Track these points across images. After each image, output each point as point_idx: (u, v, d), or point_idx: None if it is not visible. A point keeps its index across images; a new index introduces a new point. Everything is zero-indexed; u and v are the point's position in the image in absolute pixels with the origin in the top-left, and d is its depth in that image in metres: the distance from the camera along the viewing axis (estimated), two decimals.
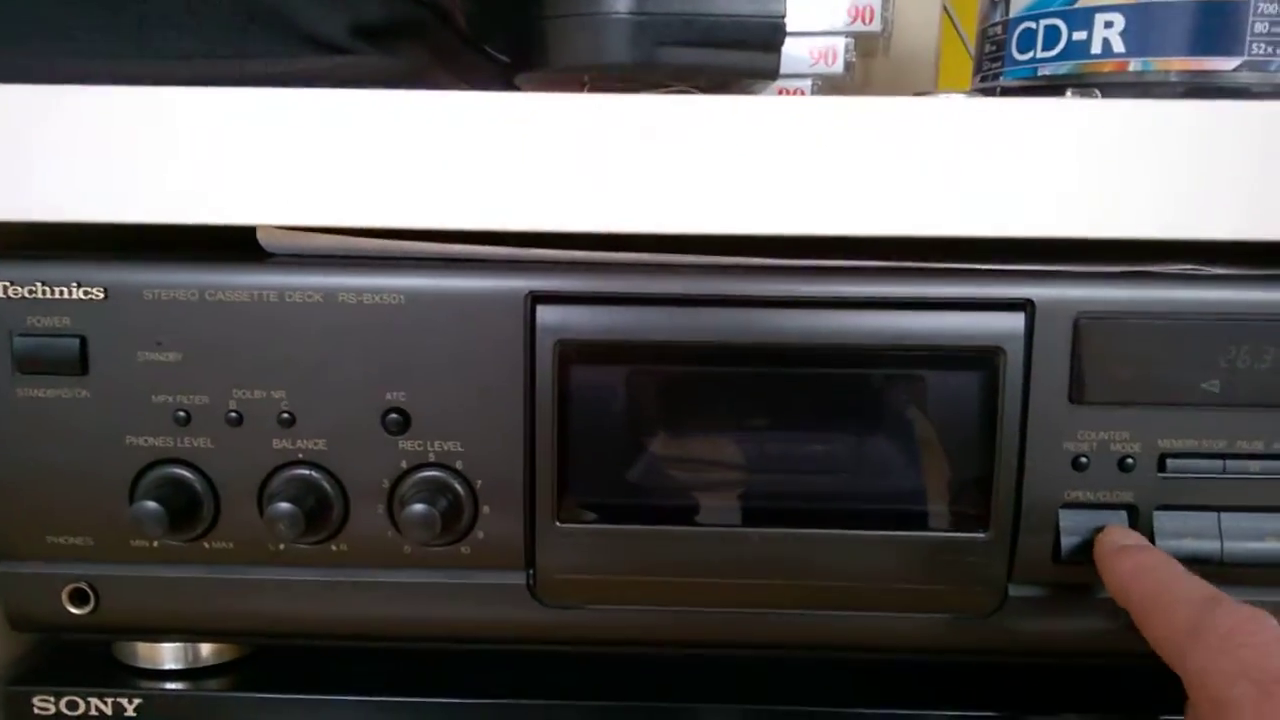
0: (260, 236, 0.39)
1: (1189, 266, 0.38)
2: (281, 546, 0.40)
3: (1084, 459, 0.38)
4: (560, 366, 0.38)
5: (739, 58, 0.39)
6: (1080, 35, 0.42)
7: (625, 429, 0.39)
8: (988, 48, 0.46)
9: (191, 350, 0.38)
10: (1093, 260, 0.38)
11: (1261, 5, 0.39)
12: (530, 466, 0.39)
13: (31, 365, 0.38)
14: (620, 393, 0.39)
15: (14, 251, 0.39)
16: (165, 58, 0.38)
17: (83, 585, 0.41)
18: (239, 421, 0.39)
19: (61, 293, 0.38)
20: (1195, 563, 0.38)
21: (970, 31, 0.54)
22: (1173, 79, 0.41)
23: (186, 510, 0.39)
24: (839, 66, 0.43)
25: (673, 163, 0.35)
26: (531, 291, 0.37)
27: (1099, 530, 0.37)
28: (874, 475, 0.38)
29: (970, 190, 0.35)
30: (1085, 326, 0.37)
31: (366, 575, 0.40)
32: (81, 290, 0.38)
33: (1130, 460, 0.37)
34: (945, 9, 0.64)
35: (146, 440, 0.39)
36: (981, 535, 0.38)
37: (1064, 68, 0.42)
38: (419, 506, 0.37)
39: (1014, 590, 0.39)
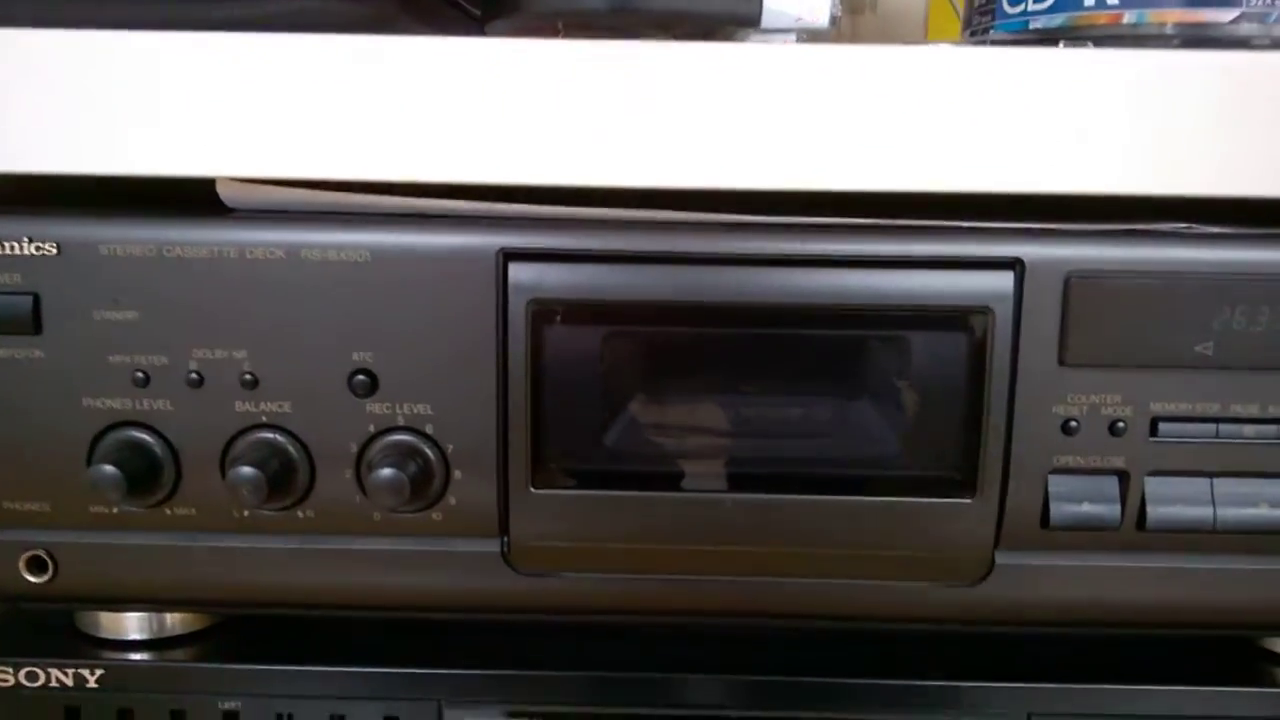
0: (220, 190, 0.37)
1: (1184, 225, 0.37)
2: (246, 513, 0.39)
3: (1074, 423, 0.36)
4: (533, 326, 0.36)
5: (719, 3, 0.38)
6: None
7: (601, 391, 0.37)
8: (978, 0, 0.45)
9: (150, 308, 0.37)
10: (1085, 218, 0.36)
11: None
12: (503, 430, 0.37)
13: None
14: (596, 354, 0.37)
15: None
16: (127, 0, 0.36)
17: (40, 553, 0.40)
18: (200, 383, 0.37)
19: (12, 248, 0.36)
20: (1188, 531, 0.37)
21: None
22: (1168, 31, 0.39)
23: (146, 475, 0.37)
24: (824, 20, 0.42)
25: (651, 113, 0.34)
26: (503, 249, 0.36)
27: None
28: (857, 439, 0.37)
29: (960, 144, 0.34)
30: (1076, 286, 0.35)
31: (335, 543, 0.39)
32: (34, 245, 0.36)
33: (1121, 424, 0.36)
34: None
35: (104, 402, 0.38)
36: (968, 501, 0.37)
37: (1056, 20, 0.41)
38: (387, 471, 0.36)
39: (1001, 558, 0.38)
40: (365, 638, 0.43)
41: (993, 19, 0.44)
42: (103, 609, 0.43)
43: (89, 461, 0.38)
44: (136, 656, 0.42)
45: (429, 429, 0.37)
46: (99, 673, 0.41)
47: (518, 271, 0.36)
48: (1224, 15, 0.38)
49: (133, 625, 0.43)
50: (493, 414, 0.37)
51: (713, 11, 0.38)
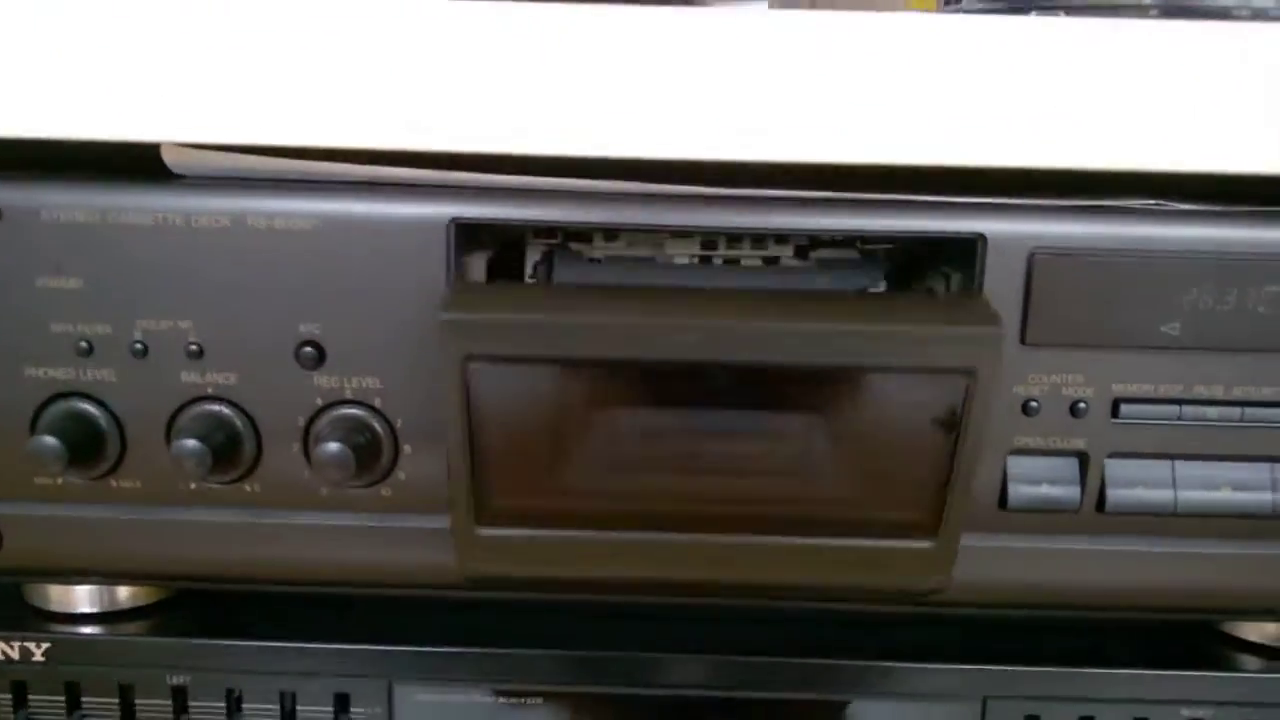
0: (165, 156, 0.36)
1: (1152, 201, 0.36)
2: (192, 486, 0.38)
3: (1034, 403, 0.36)
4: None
5: None
6: None
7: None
8: None
9: (93, 277, 0.36)
10: (1051, 194, 0.35)
11: None
12: None
13: None
14: None
15: None
16: None
17: None
18: (144, 353, 0.36)
19: None
20: (1148, 514, 0.37)
21: None
22: (1146, 1, 0.38)
23: (88, 446, 0.37)
24: None
25: (611, 79, 0.33)
26: (455, 219, 0.35)
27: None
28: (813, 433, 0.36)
29: (923, 114, 0.33)
30: (1040, 263, 0.35)
31: (282, 518, 0.38)
32: None
33: (1083, 405, 0.36)
34: None
35: (46, 372, 0.37)
36: None
37: None
38: (333, 445, 0.35)
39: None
40: (317, 613, 0.43)
41: None
42: (49, 581, 0.42)
43: (32, 433, 0.37)
44: (85, 630, 0.42)
45: (377, 403, 0.37)
46: (45, 646, 0.41)
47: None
48: None
49: (82, 598, 0.42)
50: None
51: None
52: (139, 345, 0.36)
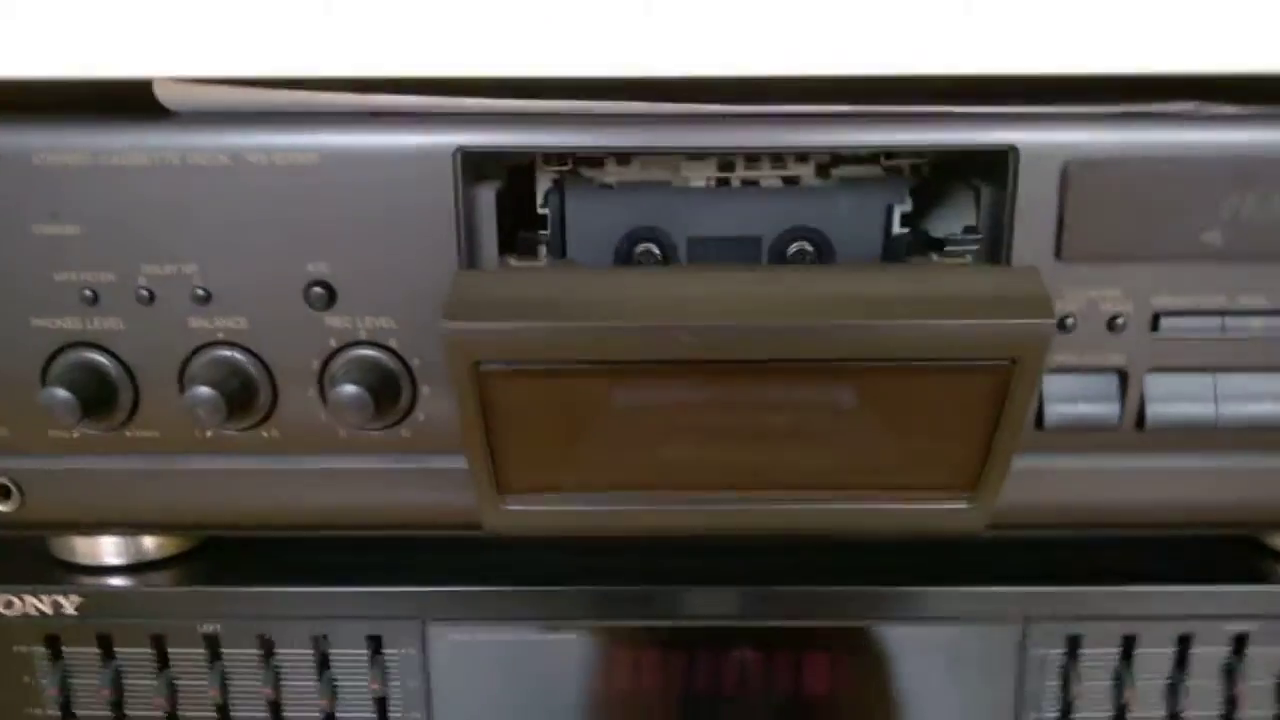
0: (158, 91, 0.35)
1: (1191, 105, 0.34)
2: (209, 434, 0.37)
3: (1070, 319, 0.34)
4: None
5: None
6: None
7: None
8: None
9: (91, 222, 0.35)
10: (1084, 101, 0.34)
11: None
12: None
13: None
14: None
15: None
16: None
17: (4, 480, 0.39)
18: (150, 300, 0.35)
19: None
20: (1189, 427, 0.35)
21: None
22: None
23: (100, 397, 0.36)
24: None
25: None
26: (461, 148, 0.34)
27: None
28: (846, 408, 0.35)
29: (949, 21, 0.31)
30: (1074, 174, 0.33)
31: (302, 462, 0.38)
32: None
33: (1121, 320, 0.34)
34: None
35: (53, 322, 0.36)
36: None
37: None
38: (348, 388, 0.34)
39: None
40: (346, 555, 0.42)
41: None
42: (72, 534, 0.42)
43: (43, 384, 0.36)
44: (115, 582, 0.42)
45: (393, 343, 0.36)
46: (76, 600, 0.41)
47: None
48: None
49: (109, 550, 0.42)
50: None
51: None
52: (144, 292, 0.35)
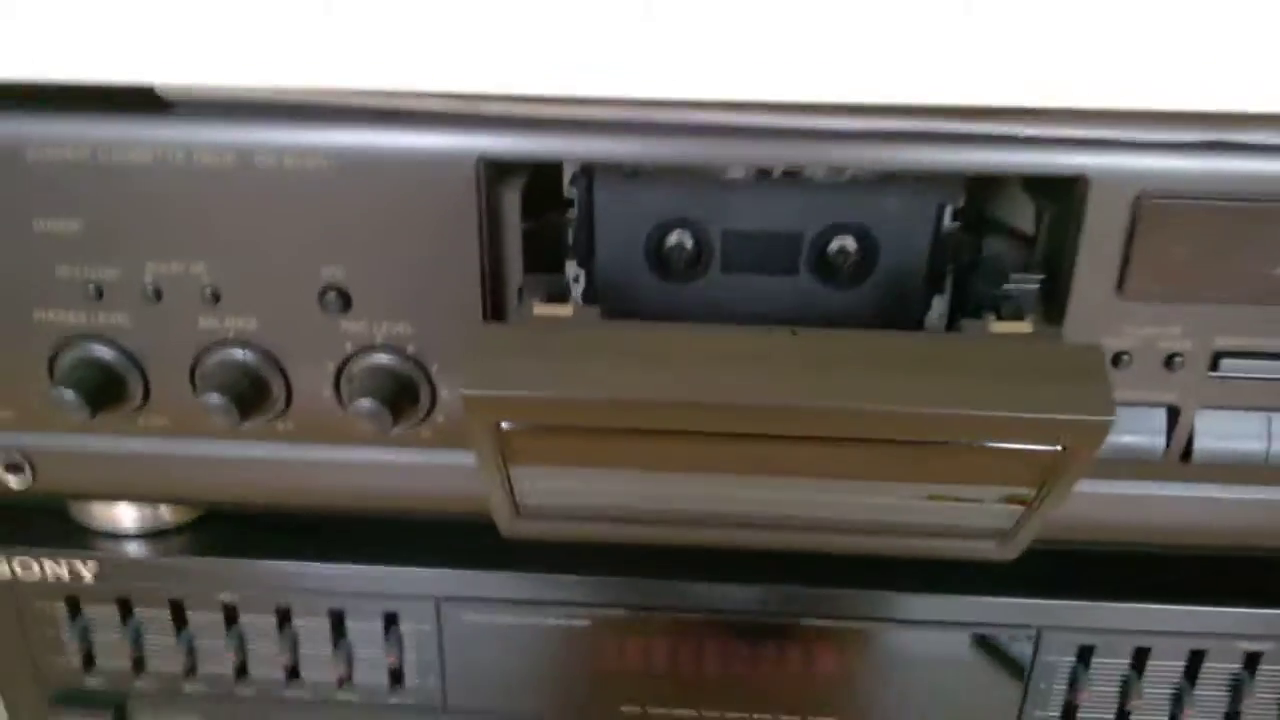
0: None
1: (1274, 135, 0.31)
2: None
3: (1125, 356, 0.33)
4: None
5: None
6: None
7: None
8: None
9: (92, 218, 0.33)
10: (1158, 127, 0.31)
11: None
12: None
13: None
14: None
15: None
16: None
17: (16, 455, 0.38)
18: (158, 297, 0.34)
19: None
20: (1238, 464, 0.34)
21: None
22: None
23: (109, 390, 0.35)
24: None
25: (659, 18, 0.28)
26: (483, 156, 0.31)
27: None
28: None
29: (1023, 51, 0.28)
30: (1147, 207, 0.31)
31: (319, 452, 0.37)
32: None
33: (1179, 359, 0.33)
34: None
35: (57, 315, 0.34)
36: None
37: None
38: (366, 402, 0.33)
39: None
40: (364, 529, 0.42)
41: None
42: (84, 499, 0.41)
43: (51, 373, 0.35)
44: (132, 549, 0.42)
45: (410, 349, 0.34)
46: (94, 567, 0.41)
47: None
48: None
49: (126, 516, 0.42)
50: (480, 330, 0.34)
51: None
52: (151, 289, 0.34)
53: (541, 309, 0.30)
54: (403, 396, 0.34)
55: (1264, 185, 0.30)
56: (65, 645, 0.42)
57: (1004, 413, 0.27)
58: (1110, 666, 0.39)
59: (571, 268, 0.36)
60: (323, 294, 0.33)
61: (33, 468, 0.38)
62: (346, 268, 0.33)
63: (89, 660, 0.43)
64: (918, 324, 0.36)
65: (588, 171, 0.35)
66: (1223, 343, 0.32)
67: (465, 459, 0.36)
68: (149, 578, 0.41)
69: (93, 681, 0.43)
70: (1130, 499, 0.36)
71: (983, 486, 0.30)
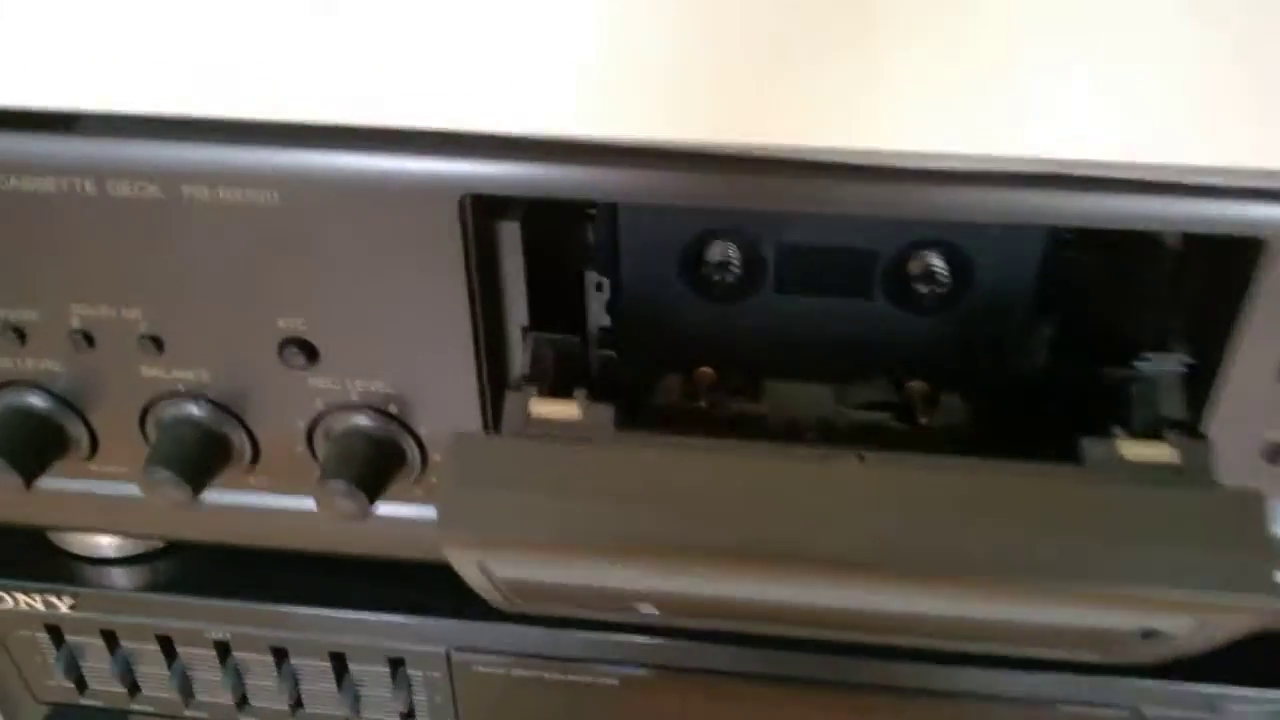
0: None
1: None
2: None
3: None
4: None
5: None
6: None
7: None
8: None
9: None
10: None
11: None
12: (490, 403, 0.28)
13: None
14: None
15: None
16: None
17: None
18: (90, 343, 0.28)
19: None
20: None
21: None
22: None
23: (41, 442, 0.30)
24: None
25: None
26: (468, 193, 0.24)
27: None
28: None
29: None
30: None
31: (296, 502, 0.32)
32: None
33: None
34: None
35: None
36: None
37: None
38: (338, 484, 0.27)
39: None
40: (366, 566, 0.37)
41: None
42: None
43: None
44: (112, 578, 0.37)
45: (393, 409, 0.28)
46: (69, 600, 0.37)
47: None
48: None
49: (106, 543, 0.38)
50: (473, 387, 0.28)
51: None
52: (81, 334, 0.28)
53: (542, 407, 0.24)
54: (387, 462, 0.29)
55: None
56: (53, 670, 0.39)
57: (1137, 590, 0.20)
58: None
59: (593, 276, 0.30)
60: (281, 348, 0.27)
61: None
62: (308, 319, 0.27)
63: (81, 683, 0.40)
64: (1015, 369, 0.29)
65: None
66: None
67: None
68: (129, 612, 0.37)
69: (89, 700, 0.40)
70: None
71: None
